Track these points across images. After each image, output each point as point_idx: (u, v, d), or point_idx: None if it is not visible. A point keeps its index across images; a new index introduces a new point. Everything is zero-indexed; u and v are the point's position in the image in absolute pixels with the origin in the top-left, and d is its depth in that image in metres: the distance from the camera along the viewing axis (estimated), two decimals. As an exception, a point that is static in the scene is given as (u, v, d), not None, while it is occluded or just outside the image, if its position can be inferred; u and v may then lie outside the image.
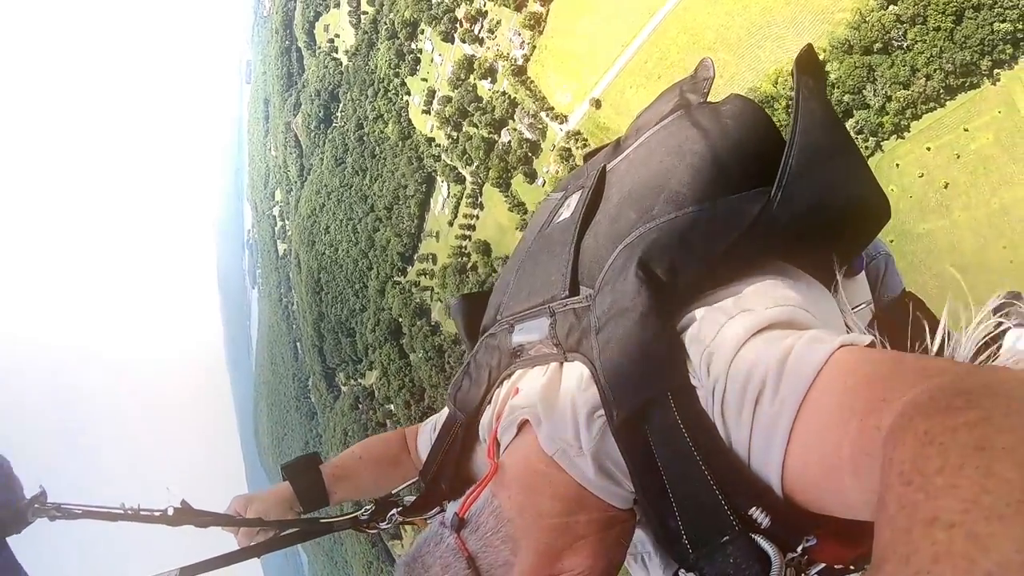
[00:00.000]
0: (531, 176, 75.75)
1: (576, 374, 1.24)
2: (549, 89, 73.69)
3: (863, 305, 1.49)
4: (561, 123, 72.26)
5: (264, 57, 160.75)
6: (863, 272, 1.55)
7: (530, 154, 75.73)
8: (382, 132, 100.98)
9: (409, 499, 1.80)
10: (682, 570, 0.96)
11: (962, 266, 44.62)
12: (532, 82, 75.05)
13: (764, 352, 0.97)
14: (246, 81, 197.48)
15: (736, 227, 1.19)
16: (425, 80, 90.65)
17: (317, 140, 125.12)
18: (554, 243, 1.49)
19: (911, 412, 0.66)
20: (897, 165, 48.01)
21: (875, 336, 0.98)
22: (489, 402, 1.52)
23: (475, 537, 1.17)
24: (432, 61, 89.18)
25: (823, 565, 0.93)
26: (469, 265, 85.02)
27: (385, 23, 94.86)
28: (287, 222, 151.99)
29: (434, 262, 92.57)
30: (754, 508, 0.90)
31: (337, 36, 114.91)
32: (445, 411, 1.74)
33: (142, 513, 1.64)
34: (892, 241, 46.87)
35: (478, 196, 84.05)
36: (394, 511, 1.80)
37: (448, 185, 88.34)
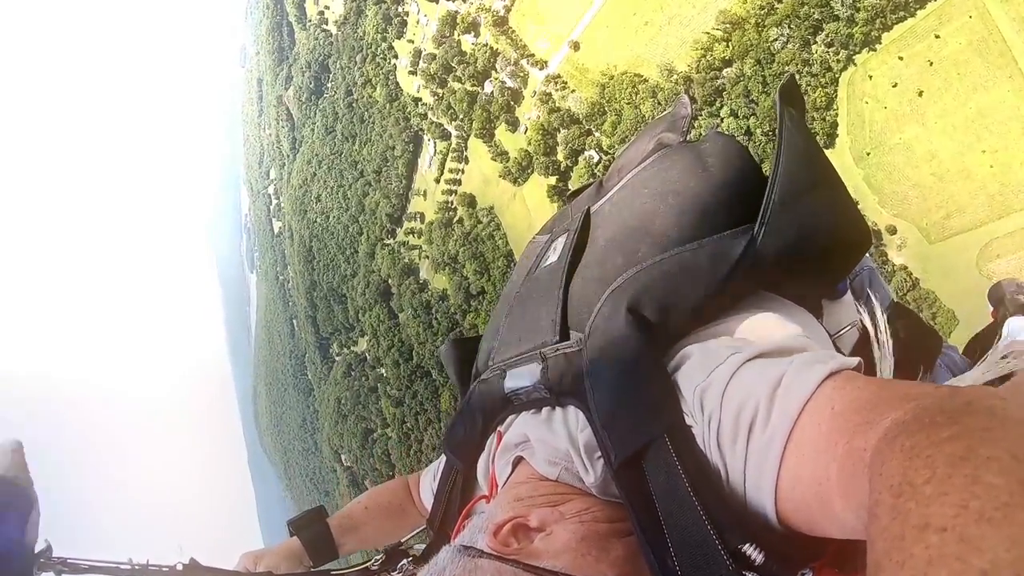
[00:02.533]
0: (513, 125, 76.16)
1: (570, 417, 1.25)
2: (530, 37, 73.90)
3: (849, 327, 1.49)
4: (541, 69, 72.44)
5: (257, 37, 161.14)
6: (848, 292, 1.57)
7: (512, 102, 76.14)
8: (370, 97, 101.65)
9: (419, 547, 1.82)
10: None
11: (941, 174, 44.69)
12: (513, 31, 75.26)
13: (755, 381, 0.99)
14: (240, 65, 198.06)
15: (722, 266, 1.22)
16: (411, 42, 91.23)
17: (308, 112, 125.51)
18: (542, 288, 1.50)
19: (895, 431, 0.68)
20: (870, 77, 47.83)
21: (861, 360, 1.01)
22: (483, 448, 1.51)
23: (465, 532, 1.21)
24: (418, 23, 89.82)
25: None
26: (455, 219, 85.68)
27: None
28: (281, 199, 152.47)
29: (422, 221, 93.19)
30: (748, 545, 0.90)
31: (327, 8, 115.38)
32: (443, 459, 1.74)
33: (151, 569, 1.64)
34: (869, 153, 47.24)
35: (463, 150, 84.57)
36: (404, 560, 1.80)
37: (434, 143, 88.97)
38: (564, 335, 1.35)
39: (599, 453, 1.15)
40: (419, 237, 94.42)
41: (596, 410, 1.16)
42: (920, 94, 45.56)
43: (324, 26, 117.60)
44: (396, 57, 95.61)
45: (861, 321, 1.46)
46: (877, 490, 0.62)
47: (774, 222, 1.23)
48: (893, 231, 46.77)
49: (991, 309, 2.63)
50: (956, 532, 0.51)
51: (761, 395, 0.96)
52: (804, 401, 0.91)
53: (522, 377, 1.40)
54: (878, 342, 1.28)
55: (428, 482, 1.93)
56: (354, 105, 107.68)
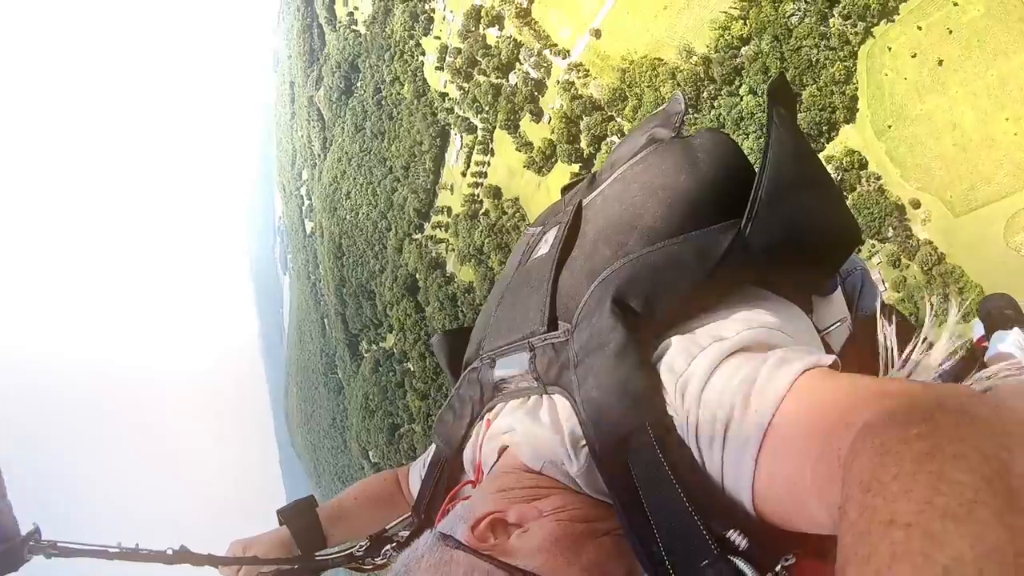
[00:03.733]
0: (537, 115, 76.58)
1: (557, 406, 1.28)
2: (552, 27, 74.41)
3: (838, 323, 1.54)
4: (564, 58, 72.85)
5: (288, 41, 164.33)
6: (839, 290, 1.61)
7: (536, 92, 76.60)
8: (399, 94, 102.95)
9: (404, 534, 1.85)
10: None
11: (964, 144, 43.89)
12: (536, 22, 75.83)
13: (731, 381, 1.01)
14: (273, 70, 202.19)
15: (709, 259, 1.23)
16: (438, 38, 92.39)
17: (339, 111, 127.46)
18: (532, 278, 1.55)
19: (866, 430, 0.69)
20: (889, 49, 47.16)
21: (837, 357, 1.02)
22: (471, 436, 1.57)
23: (446, 519, 1.22)
24: (444, 19, 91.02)
25: None
26: (481, 211, 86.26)
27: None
28: (313, 199, 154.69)
29: (449, 214, 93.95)
30: (732, 531, 0.92)
31: (356, 8, 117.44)
32: (433, 447, 1.79)
33: (140, 553, 1.69)
34: (890, 126, 46.63)
35: (489, 143, 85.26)
36: (388, 546, 1.84)
37: (461, 136, 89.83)
38: (552, 325, 1.36)
39: (584, 442, 1.16)
40: (446, 231, 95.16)
41: (581, 400, 1.17)
42: (940, 63, 44.85)
43: (353, 26, 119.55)
44: (423, 54, 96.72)
45: (852, 318, 1.50)
46: (847, 486, 0.64)
47: (761, 217, 1.24)
48: (917, 205, 45.91)
49: (979, 318, 2.73)
50: (920, 528, 0.52)
51: (736, 395, 0.97)
52: (778, 401, 0.92)
53: (511, 366, 1.43)
54: (884, 337, 1.25)
55: (417, 471, 1.97)
56: (383, 103, 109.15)
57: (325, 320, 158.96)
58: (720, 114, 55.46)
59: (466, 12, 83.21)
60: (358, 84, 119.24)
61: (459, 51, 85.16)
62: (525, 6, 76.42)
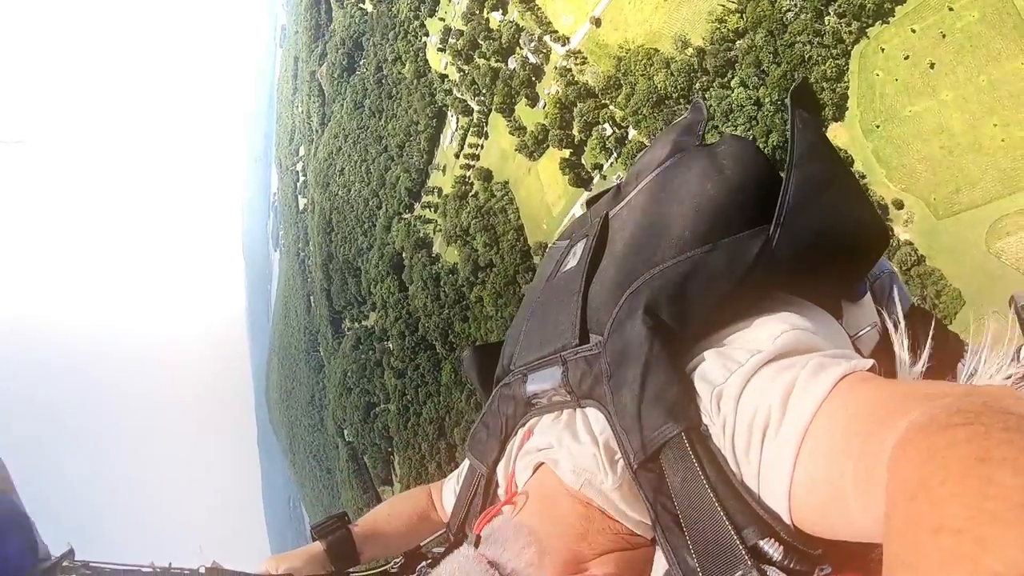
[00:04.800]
0: (533, 100, 76.81)
1: (591, 419, 1.27)
2: (555, 13, 74.48)
3: (868, 328, 1.50)
4: (563, 44, 72.86)
5: (296, 16, 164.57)
6: (868, 294, 1.59)
7: (533, 77, 76.70)
8: (399, 73, 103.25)
9: (438, 551, 1.86)
10: None
11: (951, 147, 43.89)
12: (539, 8, 75.82)
13: (769, 388, 1.00)
14: (280, 46, 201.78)
15: (739, 267, 1.23)
16: (443, 20, 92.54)
17: (339, 88, 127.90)
18: (562, 292, 1.53)
19: (912, 433, 0.68)
20: (882, 49, 47.24)
21: (875, 362, 1.02)
22: (505, 452, 1.54)
23: (494, 548, 1.19)
24: (450, 1, 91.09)
25: None
26: (471, 193, 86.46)
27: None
28: (308, 175, 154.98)
29: (439, 195, 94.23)
30: (766, 540, 0.91)
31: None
32: (467, 463, 1.76)
33: (172, 571, 1.68)
34: (879, 126, 46.55)
35: (484, 125, 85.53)
36: (423, 564, 1.82)
37: (457, 118, 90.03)
38: (584, 338, 1.36)
39: (619, 455, 1.17)
40: (435, 211, 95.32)
41: (616, 412, 1.17)
42: (932, 66, 44.92)
43: (361, 4, 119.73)
44: (427, 35, 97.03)
45: (882, 323, 1.43)
46: (892, 493, 0.63)
47: (789, 223, 1.24)
48: (900, 205, 45.83)
49: (1012, 313, 2.69)
50: (970, 534, 0.51)
51: (774, 401, 0.97)
52: (818, 404, 0.91)
53: (543, 380, 1.41)
54: (901, 344, 1.23)
55: (451, 488, 1.94)
56: (383, 81, 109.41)
57: (311, 297, 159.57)
58: (711, 105, 55.30)
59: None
60: (361, 62, 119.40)
61: (461, 33, 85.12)
62: (529, -10, 76.43)
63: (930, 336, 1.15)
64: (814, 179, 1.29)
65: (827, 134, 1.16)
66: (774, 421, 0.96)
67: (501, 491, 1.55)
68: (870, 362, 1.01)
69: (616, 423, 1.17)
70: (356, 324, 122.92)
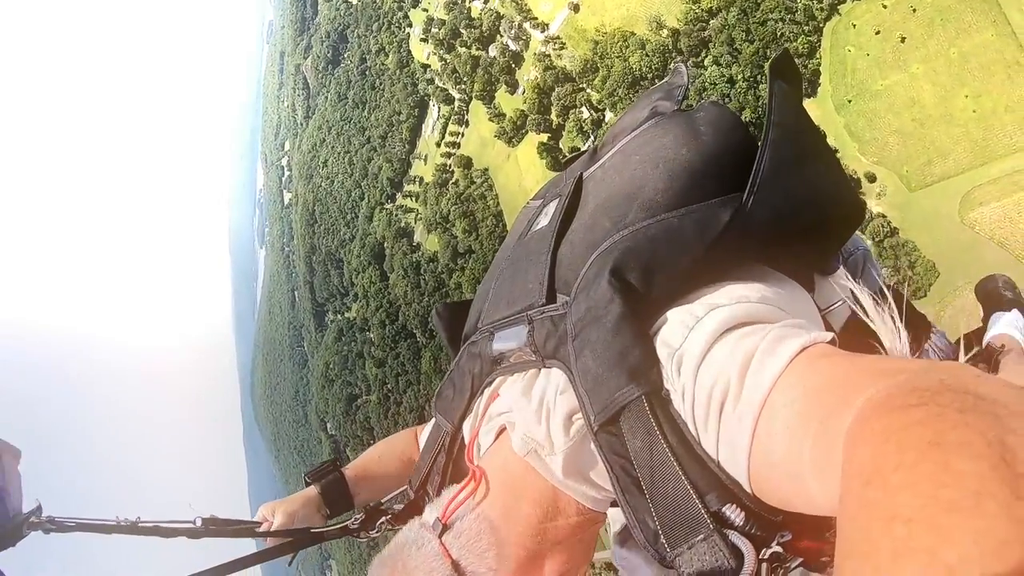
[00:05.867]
0: (513, 86, 77.01)
1: (553, 380, 1.26)
2: (534, 1, 74.65)
3: (840, 303, 1.48)
4: (543, 31, 73.10)
5: (283, 11, 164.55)
6: (841, 269, 1.53)
7: (512, 64, 77.04)
8: (383, 64, 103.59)
9: (398, 507, 1.83)
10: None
11: (923, 119, 43.94)
12: (520, -5, 76.14)
13: (728, 357, 0.99)
14: (266, 42, 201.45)
15: (709, 233, 1.22)
16: (426, 10, 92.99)
17: (324, 80, 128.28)
18: (532, 251, 1.51)
19: (868, 412, 0.67)
20: (854, 25, 47.49)
21: (835, 335, 1.01)
22: (471, 410, 1.52)
23: (458, 543, 1.19)
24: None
25: (801, 560, 0.95)
26: (452, 181, 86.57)
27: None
28: (293, 169, 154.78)
29: (421, 184, 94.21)
30: (728, 506, 0.92)
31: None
32: (433, 421, 1.74)
33: (141, 524, 1.63)
34: (850, 101, 46.55)
35: (464, 113, 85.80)
36: (383, 519, 1.83)
37: (439, 107, 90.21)
38: (551, 298, 1.34)
39: (577, 415, 1.16)
40: (416, 200, 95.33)
41: (578, 373, 1.16)
42: (903, 40, 45.12)
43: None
44: (410, 25, 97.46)
45: (855, 298, 1.39)
46: (847, 477, 0.62)
47: (763, 191, 1.22)
48: (872, 179, 45.91)
49: (981, 308, 2.64)
50: (924, 524, 0.50)
51: (732, 372, 0.96)
52: (775, 377, 0.91)
53: (509, 339, 1.40)
54: (885, 317, 1.16)
55: (426, 435, 1.88)
56: (367, 73, 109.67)
57: (295, 292, 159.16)
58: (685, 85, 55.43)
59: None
60: (345, 55, 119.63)
61: (443, 23, 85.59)
62: (511, -22, 76.63)
63: (903, 315, 1.11)
64: (790, 149, 1.27)
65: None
66: (731, 395, 0.95)
67: (467, 441, 1.54)
68: (829, 335, 0.99)
69: (578, 384, 1.15)
70: (339, 316, 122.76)
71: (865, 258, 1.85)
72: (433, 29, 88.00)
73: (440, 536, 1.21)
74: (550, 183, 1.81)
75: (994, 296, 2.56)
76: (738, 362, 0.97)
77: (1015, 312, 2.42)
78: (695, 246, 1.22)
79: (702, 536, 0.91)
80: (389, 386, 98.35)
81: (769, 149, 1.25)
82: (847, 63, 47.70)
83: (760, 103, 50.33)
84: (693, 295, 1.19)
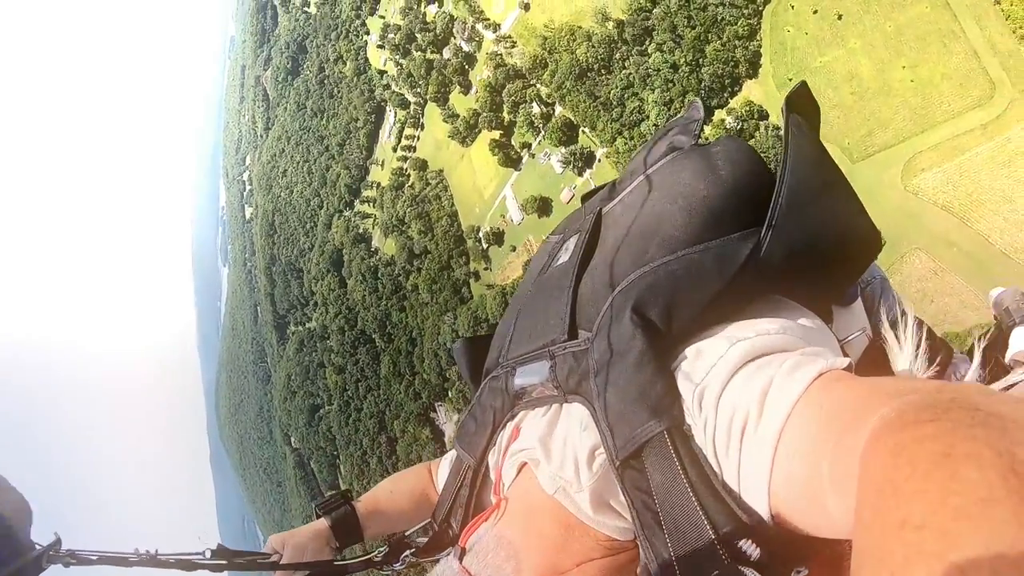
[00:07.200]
0: (466, 87, 77.37)
1: (576, 415, 1.26)
2: (487, 2, 75.29)
3: (858, 333, 1.47)
4: (494, 31, 73.55)
5: (244, 24, 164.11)
6: (858, 299, 1.56)
7: (466, 65, 77.42)
8: (341, 72, 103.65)
9: (422, 540, 1.79)
10: None
11: (861, 92, 44.51)
12: (473, -1, 76.66)
13: (747, 386, 1.01)
14: (228, 56, 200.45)
15: (728, 268, 1.22)
16: (383, 17, 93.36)
17: (283, 91, 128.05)
18: (553, 287, 1.52)
19: (881, 428, 0.69)
20: (792, 7, 48.01)
21: (851, 360, 1.04)
22: (494, 444, 1.52)
23: (476, 560, 1.21)
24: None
25: None
26: (407, 184, 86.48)
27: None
28: (253, 182, 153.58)
29: (378, 190, 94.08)
30: (744, 541, 0.92)
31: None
32: (454, 452, 1.73)
33: (159, 558, 1.60)
34: (791, 79, 46.57)
35: (420, 116, 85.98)
36: (407, 552, 1.79)
37: (395, 112, 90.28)
38: (573, 334, 1.35)
39: (600, 450, 1.16)
40: (373, 205, 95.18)
41: (601, 408, 1.16)
42: (840, 18, 45.81)
43: (306, 7, 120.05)
44: (368, 33, 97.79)
45: (873, 328, 1.45)
46: (861, 488, 0.64)
47: (781, 226, 1.23)
48: (814, 153, 45.87)
49: (993, 313, 2.60)
50: (934, 529, 0.51)
51: (751, 400, 0.98)
52: (793, 404, 0.92)
53: (531, 375, 1.40)
54: (907, 341, 1.20)
55: (444, 469, 1.90)
56: (325, 82, 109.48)
57: (258, 307, 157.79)
58: (630, 73, 55.88)
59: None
60: (304, 64, 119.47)
61: (399, 28, 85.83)
62: (463, -19, 77.25)
63: (922, 342, 1.15)
64: (807, 183, 1.27)
65: (822, 143, 1.20)
66: (752, 421, 0.96)
67: (491, 477, 1.53)
68: (846, 360, 1.01)
69: (600, 419, 1.15)
70: (299, 327, 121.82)
71: (883, 287, 1.81)
72: (389, 35, 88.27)
73: (461, 560, 1.22)
74: (569, 218, 1.82)
75: (1013, 311, 2.48)
76: (758, 389, 0.98)
77: None
78: (715, 282, 1.22)
79: (717, 571, 0.92)
80: (349, 392, 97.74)
81: (786, 183, 1.25)
82: (787, 43, 48.24)
83: (702, 86, 50.88)
84: (714, 329, 1.19)
